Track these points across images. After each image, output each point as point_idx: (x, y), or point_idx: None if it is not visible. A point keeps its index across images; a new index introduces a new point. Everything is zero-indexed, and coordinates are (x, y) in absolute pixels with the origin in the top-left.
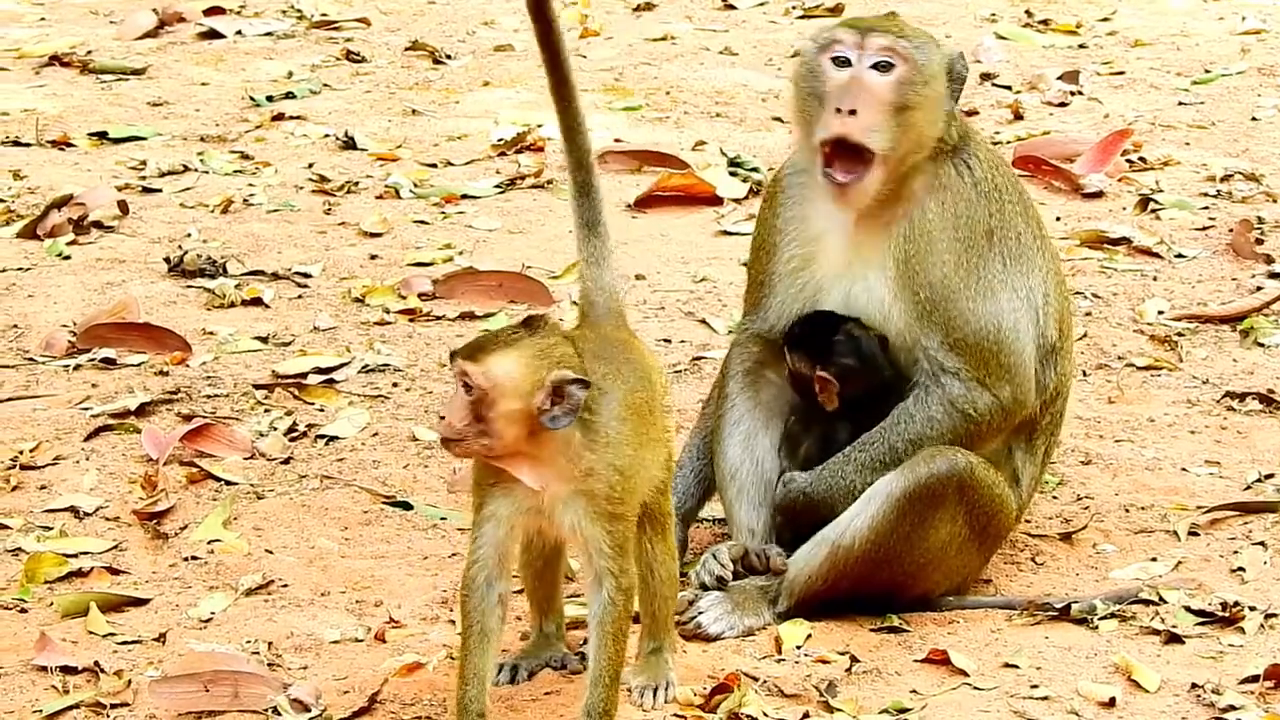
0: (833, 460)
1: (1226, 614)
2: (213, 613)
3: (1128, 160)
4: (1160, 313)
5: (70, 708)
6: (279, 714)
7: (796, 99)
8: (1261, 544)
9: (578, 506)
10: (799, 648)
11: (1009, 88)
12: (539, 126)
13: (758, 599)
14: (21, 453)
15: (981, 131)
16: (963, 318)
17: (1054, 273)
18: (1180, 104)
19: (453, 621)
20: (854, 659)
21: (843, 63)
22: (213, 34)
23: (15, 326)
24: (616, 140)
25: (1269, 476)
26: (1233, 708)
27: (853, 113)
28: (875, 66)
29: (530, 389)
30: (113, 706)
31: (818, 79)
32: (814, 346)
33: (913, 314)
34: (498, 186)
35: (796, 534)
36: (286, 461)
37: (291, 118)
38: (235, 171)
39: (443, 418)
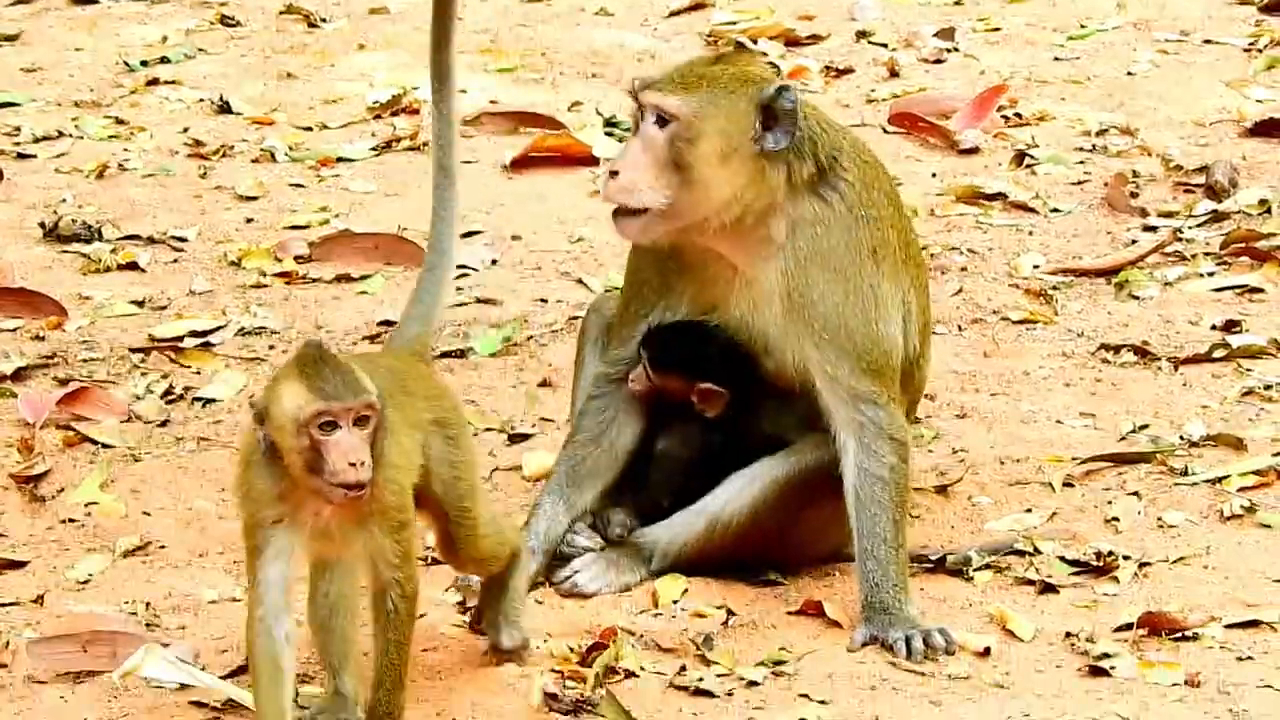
0: (866, 564)
1: (1100, 564)
2: (90, 574)
3: (1003, 116)
4: (1035, 267)
5: None
6: None
7: None
8: (1135, 494)
9: (370, 524)
10: (675, 602)
11: (885, 45)
12: (414, 89)
13: (633, 558)
14: None
15: (856, 137)
16: (870, 340)
17: (920, 280)
18: (1056, 59)
19: None
20: (730, 612)
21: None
22: None
23: None
24: (492, 101)
25: (1143, 428)
26: (1106, 655)
27: (614, 174)
28: (656, 121)
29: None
30: None
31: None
32: (688, 361)
33: (812, 346)
34: (373, 149)
35: (674, 502)
36: (163, 424)
37: (166, 82)
38: (110, 137)
39: None
